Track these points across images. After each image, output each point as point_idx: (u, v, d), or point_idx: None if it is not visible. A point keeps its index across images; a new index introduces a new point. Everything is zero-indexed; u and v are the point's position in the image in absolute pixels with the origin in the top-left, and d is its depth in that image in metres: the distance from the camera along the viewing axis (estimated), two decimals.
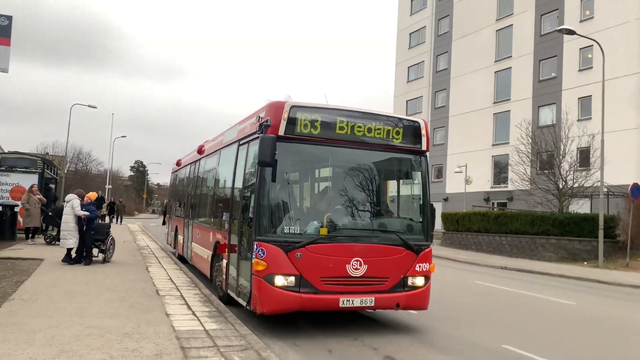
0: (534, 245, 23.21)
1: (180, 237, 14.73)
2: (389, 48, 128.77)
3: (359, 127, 7.39)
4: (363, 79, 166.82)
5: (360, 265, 7.06)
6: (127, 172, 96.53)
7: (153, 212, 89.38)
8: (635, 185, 20.10)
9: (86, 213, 12.10)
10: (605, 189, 22.21)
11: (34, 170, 18.93)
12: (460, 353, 6.78)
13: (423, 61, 49.96)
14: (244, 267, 7.53)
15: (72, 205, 12.00)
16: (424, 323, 8.29)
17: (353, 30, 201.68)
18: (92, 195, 12.92)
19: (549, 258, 22.12)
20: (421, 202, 7.97)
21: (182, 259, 14.26)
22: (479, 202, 37.85)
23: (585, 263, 20.71)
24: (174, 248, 16.14)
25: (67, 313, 6.96)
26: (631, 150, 30.59)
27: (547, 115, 36.51)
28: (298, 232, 7.06)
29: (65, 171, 45.40)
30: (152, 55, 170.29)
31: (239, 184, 8.25)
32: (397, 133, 7.67)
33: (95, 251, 12.62)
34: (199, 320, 7.02)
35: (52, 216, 15.58)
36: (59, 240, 15.98)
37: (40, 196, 16.94)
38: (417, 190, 8.06)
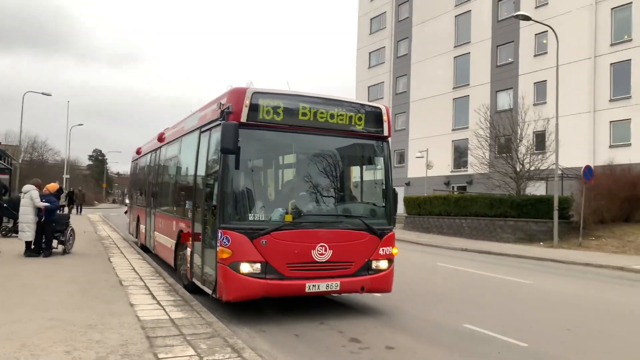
0: (492, 227, 23.86)
1: (142, 227, 14.51)
2: (351, 33, 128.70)
3: (322, 113, 7.42)
4: (326, 66, 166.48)
5: (325, 250, 7.14)
6: (85, 162, 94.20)
7: (114, 201, 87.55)
8: (587, 167, 20.85)
9: (46, 204, 11.77)
10: (559, 172, 22.96)
11: None
12: (424, 333, 6.97)
13: (384, 47, 50.21)
14: (208, 255, 7.50)
15: (30, 197, 11.64)
16: (388, 305, 8.47)
17: (315, 15, 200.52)
18: (53, 187, 12.56)
19: (507, 239, 22.78)
20: (384, 187, 8.09)
21: (145, 249, 14.07)
22: (439, 186, 38.59)
23: (541, 243, 21.43)
24: (136, 238, 15.90)
25: (28, 307, 6.81)
26: (584, 134, 31.70)
27: (504, 100, 37.42)
28: (263, 219, 7.07)
29: (20, 161, 43.89)
30: (107, 41, 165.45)
31: (201, 171, 8.18)
32: (359, 119, 7.73)
33: (54, 243, 12.32)
34: (164, 309, 6.98)
35: (7, 208, 15.09)
36: (15, 232, 15.55)
37: None
38: (379, 175, 8.19)
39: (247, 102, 6.94)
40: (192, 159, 8.80)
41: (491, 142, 27.62)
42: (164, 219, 11.30)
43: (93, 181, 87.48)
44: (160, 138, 12.54)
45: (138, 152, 16.90)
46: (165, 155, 12.03)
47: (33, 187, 11.89)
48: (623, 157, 27.43)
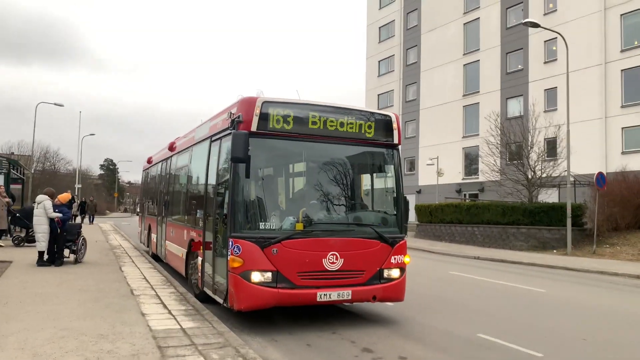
0: (505, 235, 23.67)
1: (153, 236, 14.55)
2: (360, 42, 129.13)
3: (332, 121, 7.41)
4: (334, 74, 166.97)
5: (337, 259, 7.10)
6: (96, 171, 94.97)
7: (125, 210, 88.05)
8: (600, 174, 20.62)
9: (59, 215, 11.85)
10: (572, 179, 22.75)
11: None
12: (436, 343, 6.88)
13: (393, 55, 50.25)
14: (219, 264, 7.49)
15: (44, 207, 11.70)
16: (400, 314, 8.39)
17: (324, 24, 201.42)
18: (65, 197, 12.63)
19: (520, 247, 22.58)
20: (395, 195, 8.05)
21: (156, 258, 14.09)
22: (451, 194, 38.41)
23: (554, 251, 21.21)
24: (147, 247, 15.94)
25: (40, 316, 6.82)
26: (595, 140, 31.42)
27: (514, 107, 37.24)
28: (274, 227, 7.05)
29: (32, 171, 44.32)
30: (119, 52, 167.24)
31: (212, 180, 8.19)
32: (369, 127, 7.72)
33: (66, 252, 12.38)
34: (175, 319, 6.96)
35: (20, 217, 15.21)
36: (27, 241, 15.67)
37: (8, 199, 16.51)
38: (390, 183, 8.15)
39: (257, 111, 6.95)
40: (202, 168, 8.82)
41: (502, 149, 27.47)
42: (175, 227, 11.32)
43: (104, 190, 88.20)
44: (171, 147, 12.59)
45: (149, 161, 16.98)
46: (176, 164, 12.08)
47: (47, 197, 11.94)
48: (636, 163, 27.15)
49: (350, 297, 7.27)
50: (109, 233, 24.53)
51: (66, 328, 6.21)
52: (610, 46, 31.64)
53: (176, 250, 10.89)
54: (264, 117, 7.00)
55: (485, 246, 23.91)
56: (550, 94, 34.48)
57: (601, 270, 15.60)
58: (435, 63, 44.58)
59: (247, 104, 7.06)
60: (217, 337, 6.07)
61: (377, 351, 6.32)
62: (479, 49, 40.65)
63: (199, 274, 8.53)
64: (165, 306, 7.75)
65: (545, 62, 35.38)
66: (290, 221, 7.15)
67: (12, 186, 20.25)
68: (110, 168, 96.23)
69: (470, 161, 40.44)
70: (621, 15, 31.31)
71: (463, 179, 41.06)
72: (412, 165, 46.11)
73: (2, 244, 16.30)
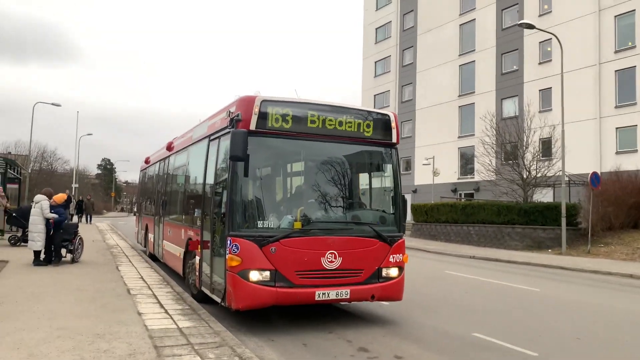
0: (500, 234, 23.75)
1: (150, 235, 14.52)
2: (357, 43, 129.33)
3: (330, 120, 7.42)
4: (331, 75, 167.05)
5: (335, 258, 7.10)
6: (94, 171, 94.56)
7: (122, 210, 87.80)
8: (594, 173, 20.71)
9: (55, 216, 11.81)
10: (566, 178, 22.84)
11: None
12: (432, 342, 6.91)
13: (390, 56, 50.27)
14: (217, 263, 7.48)
15: (41, 207, 11.67)
16: (396, 314, 8.42)
17: (320, 24, 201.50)
18: (60, 198, 12.57)
19: (515, 246, 22.66)
20: (393, 194, 8.06)
21: (153, 257, 14.07)
22: (446, 193, 38.47)
23: (549, 250, 21.30)
24: (144, 246, 15.91)
25: (36, 315, 6.81)
26: (590, 140, 31.57)
27: (510, 107, 37.35)
28: (272, 226, 7.05)
29: (30, 170, 44.12)
30: (117, 52, 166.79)
31: (210, 179, 8.18)
32: (368, 126, 7.73)
33: (63, 251, 12.35)
34: (172, 318, 6.96)
35: (17, 217, 15.15)
36: (24, 241, 15.61)
37: (5, 200, 16.45)
38: (388, 182, 8.16)
39: (256, 110, 6.95)
40: (201, 167, 8.81)
41: (497, 149, 27.56)
42: (172, 227, 11.31)
43: (102, 190, 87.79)
44: (169, 147, 12.57)
45: (147, 161, 16.95)
46: (174, 164, 12.06)
47: (44, 197, 11.89)
48: (630, 163, 27.28)
49: (348, 296, 7.28)
50: (106, 232, 24.47)
51: (62, 328, 6.19)
52: (605, 47, 31.77)
53: (173, 250, 10.88)
54: (263, 116, 7.00)
55: (481, 245, 23.98)
56: (545, 95, 34.61)
57: (595, 270, 15.68)
58: (431, 64, 44.65)
59: (246, 102, 7.06)
60: (213, 337, 6.08)
61: (373, 350, 6.34)
62: (474, 50, 40.74)
63: (197, 273, 8.52)
64: (161, 306, 7.75)
65: (540, 63, 35.50)
66: (288, 220, 7.14)
67: (9, 186, 20.18)
68: (107, 168, 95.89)
69: (466, 161, 40.55)
70: (615, 16, 31.44)
71: (459, 178, 41.14)
72: (408, 165, 46.15)
73: None
